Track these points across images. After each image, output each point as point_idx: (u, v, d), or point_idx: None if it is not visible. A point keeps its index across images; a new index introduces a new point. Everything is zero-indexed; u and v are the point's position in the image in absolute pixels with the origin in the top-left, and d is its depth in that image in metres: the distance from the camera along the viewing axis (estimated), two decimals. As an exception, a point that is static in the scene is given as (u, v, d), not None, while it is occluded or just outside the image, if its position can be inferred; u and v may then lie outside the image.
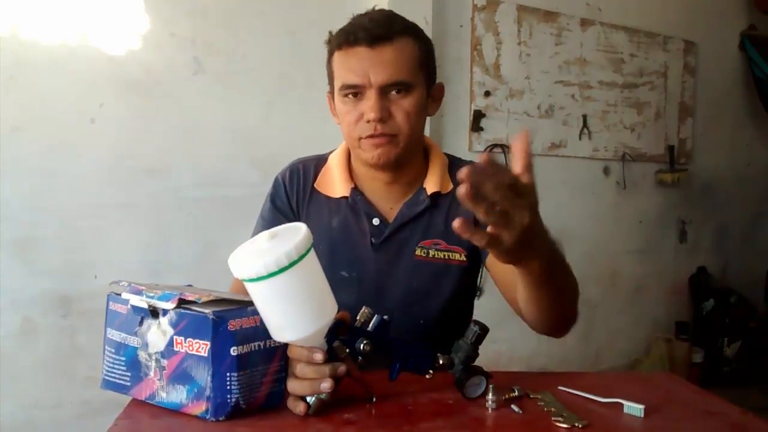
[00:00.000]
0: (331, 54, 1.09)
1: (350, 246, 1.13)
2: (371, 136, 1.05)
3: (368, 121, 1.04)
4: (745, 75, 3.59)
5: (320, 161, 1.20)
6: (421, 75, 1.08)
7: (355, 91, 1.05)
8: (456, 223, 0.67)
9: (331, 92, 1.13)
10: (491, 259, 1.09)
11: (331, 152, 1.21)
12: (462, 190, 0.64)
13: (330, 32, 1.10)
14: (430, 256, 1.12)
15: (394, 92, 1.05)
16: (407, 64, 1.05)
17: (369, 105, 1.03)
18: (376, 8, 1.11)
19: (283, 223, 0.95)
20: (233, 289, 1.05)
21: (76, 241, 2.02)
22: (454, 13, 2.68)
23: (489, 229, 0.69)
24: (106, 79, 2.04)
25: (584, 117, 3.05)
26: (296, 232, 0.76)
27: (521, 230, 0.69)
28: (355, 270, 1.12)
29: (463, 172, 0.64)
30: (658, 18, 3.26)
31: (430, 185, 1.14)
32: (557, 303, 0.91)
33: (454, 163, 1.19)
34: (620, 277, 3.22)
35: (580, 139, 3.05)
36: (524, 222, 0.69)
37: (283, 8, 2.30)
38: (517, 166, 0.70)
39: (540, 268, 0.80)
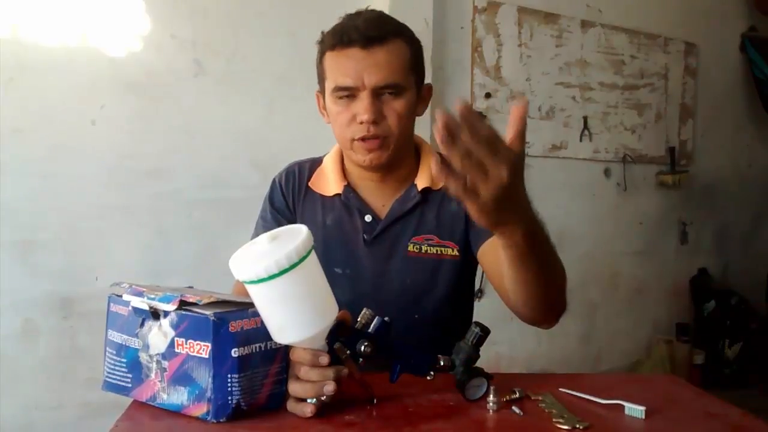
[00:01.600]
0: (322, 54, 1.10)
1: (344, 243, 1.14)
2: (363, 139, 1.05)
3: (361, 123, 1.05)
4: (745, 76, 3.59)
5: (315, 162, 1.23)
6: (411, 77, 1.09)
7: (348, 93, 1.05)
8: (434, 167, 0.68)
9: (321, 91, 1.13)
10: (482, 249, 1.09)
11: (326, 154, 1.23)
12: (437, 134, 0.64)
13: (322, 32, 1.10)
14: (423, 251, 1.13)
15: (386, 94, 1.05)
16: (400, 66, 1.06)
17: (362, 106, 1.04)
18: (369, 8, 1.11)
19: (283, 223, 0.95)
20: (236, 291, 1.05)
21: (77, 242, 2.02)
22: (454, 14, 2.68)
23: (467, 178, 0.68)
24: (107, 80, 2.05)
25: (585, 118, 3.05)
26: (297, 234, 0.76)
27: (498, 186, 0.67)
28: (348, 266, 1.13)
29: (438, 117, 0.64)
30: (658, 19, 3.26)
31: (421, 181, 1.15)
32: (542, 283, 0.87)
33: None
34: (621, 279, 3.22)
35: (580, 140, 3.05)
36: (502, 178, 0.67)
37: (283, 9, 2.30)
38: (509, 131, 0.69)
39: (522, 239, 0.77)
